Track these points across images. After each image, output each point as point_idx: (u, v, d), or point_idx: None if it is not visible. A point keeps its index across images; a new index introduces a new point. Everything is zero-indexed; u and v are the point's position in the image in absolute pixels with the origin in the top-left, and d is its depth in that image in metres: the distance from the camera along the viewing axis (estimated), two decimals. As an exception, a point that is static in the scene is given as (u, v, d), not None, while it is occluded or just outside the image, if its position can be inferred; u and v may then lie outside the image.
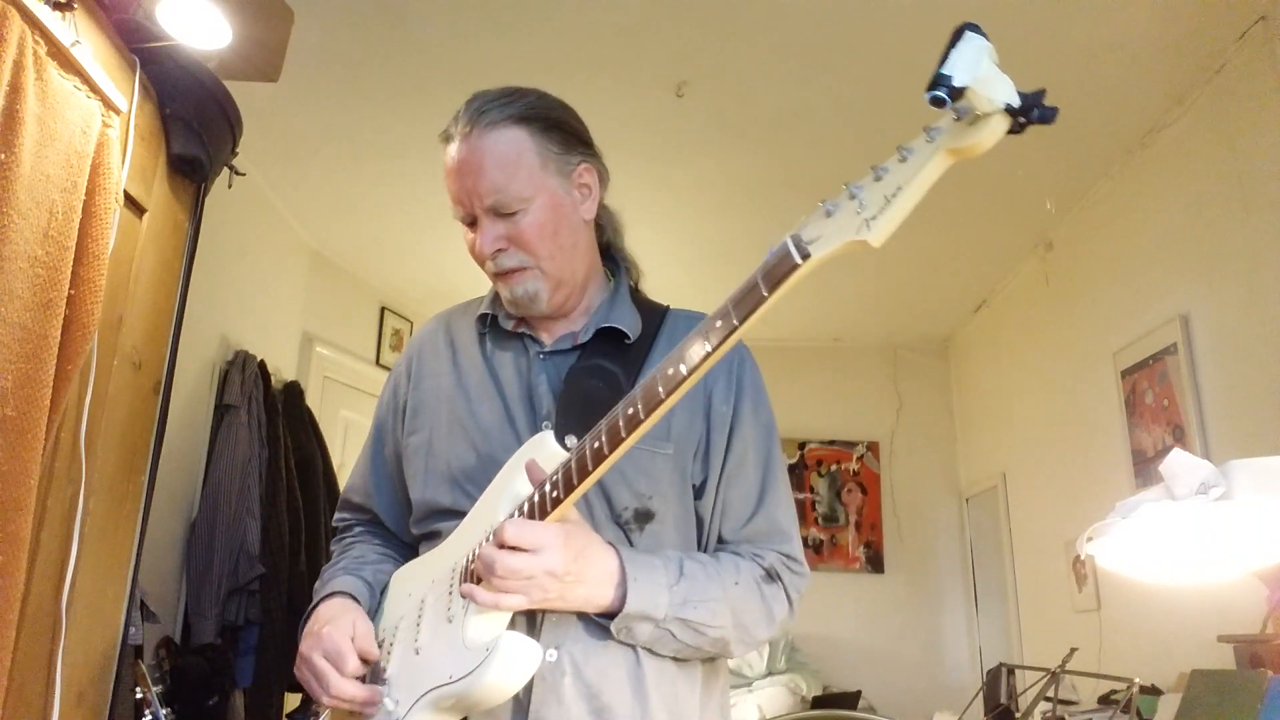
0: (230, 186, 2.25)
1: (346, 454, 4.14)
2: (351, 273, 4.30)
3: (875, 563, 4.85)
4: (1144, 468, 2.96)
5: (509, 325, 1.20)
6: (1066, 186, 3.37)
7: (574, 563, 0.96)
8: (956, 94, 0.70)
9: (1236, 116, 2.56)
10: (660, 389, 0.87)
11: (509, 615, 0.99)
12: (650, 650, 1.04)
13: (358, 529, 1.31)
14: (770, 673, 4.39)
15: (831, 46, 2.66)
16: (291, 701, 3.16)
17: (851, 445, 5.06)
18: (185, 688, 2.60)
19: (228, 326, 3.26)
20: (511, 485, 1.02)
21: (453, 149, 1.16)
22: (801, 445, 5.09)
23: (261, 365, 3.29)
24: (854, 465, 5.03)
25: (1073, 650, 2.30)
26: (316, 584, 1.22)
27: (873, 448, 5.05)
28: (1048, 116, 0.73)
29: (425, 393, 1.22)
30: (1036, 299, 3.90)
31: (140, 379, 1.78)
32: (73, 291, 1.45)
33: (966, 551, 4.81)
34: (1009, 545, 4.21)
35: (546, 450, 1.01)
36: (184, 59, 1.81)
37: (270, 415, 3.21)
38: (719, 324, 0.84)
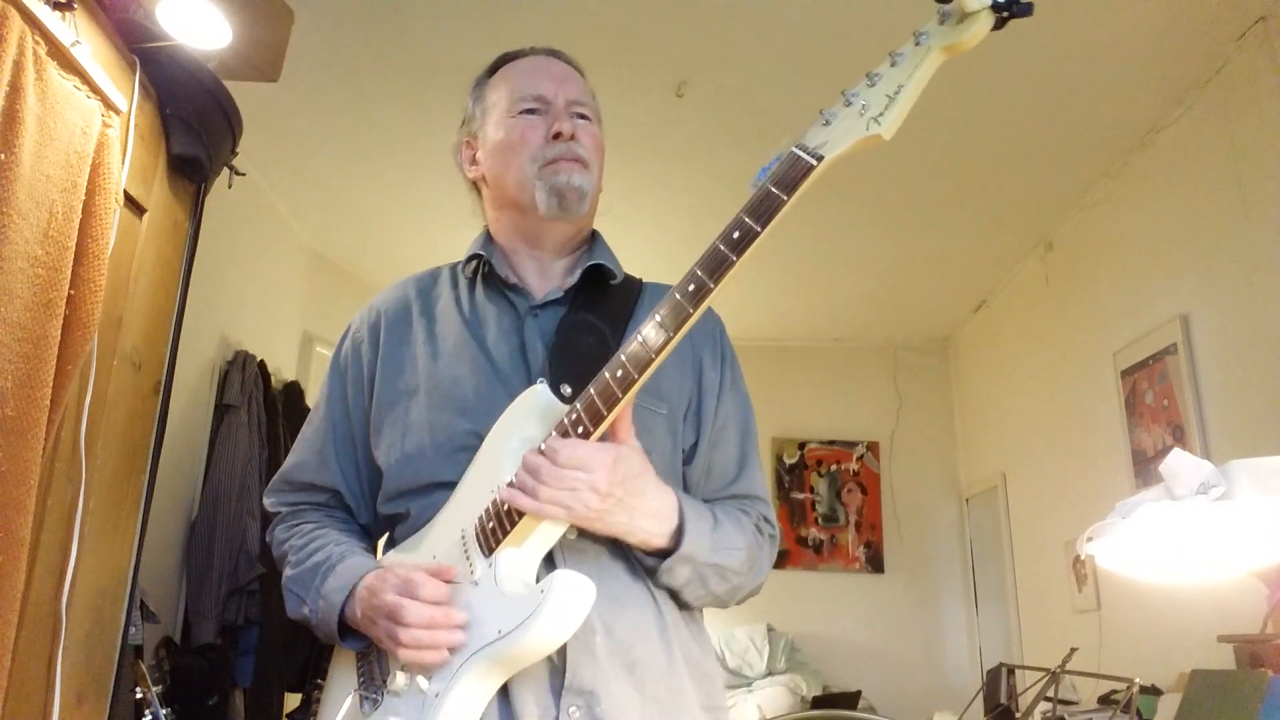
0: (230, 186, 2.25)
1: (346, 454, 4.13)
2: (351, 273, 4.30)
3: (875, 563, 4.85)
4: (1144, 468, 2.96)
5: (503, 272, 1.17)
6: (1066, 186, 3.37)
7: (620, 486, 0.94)
8: None
9: (1236, 116, 2.56)
10: (689, 306, 0.89)
11: (538, 564, 0.96)
12: (674, 598, 1.05)
13: (313, 514, 1.21)
14: (770, 673, 4.39)
15: (831, 46, 2.66)
16: (291, 701, 3.16)
17: (851, 445, 5.06)
18: (185, 688, 2.60)
19: (228, 326, 3.26)
20: (508, 442, 1.00)
21: (531, 58, 1.25)
22: (801, 445, 5.09)
23: (261, 365, 3.29)
24: (854, 465, 5.03)
25: (1073, 650, 2.30)
26: (293, 571, 1.12)
27: (873, 448, 5.05)
28: (1024, 11, 0.82)
29: (398, 361, 1.17)
30: (1036, 299, 3.90)
31: (140, 379, 1.78)
32: (73, 291, 1.45)
33: (966, 551, 4.81)
34: (1009, 545, 4.21)
35: (542, 402, 1.01)
36: (184, 59, 1.81)
37: (270, 415, 3.22)
38: (736, 234, 0.88)
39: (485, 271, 1.20)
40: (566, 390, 1.03)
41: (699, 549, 1.01)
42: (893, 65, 0.86)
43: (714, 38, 2.63)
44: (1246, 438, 2.48)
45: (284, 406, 3.39)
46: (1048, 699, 2.25)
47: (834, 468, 5.05)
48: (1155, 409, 2.91)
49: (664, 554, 1.00)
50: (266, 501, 1.26)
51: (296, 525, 1.20)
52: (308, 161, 3.38)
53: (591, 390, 0.93)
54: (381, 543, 1.21)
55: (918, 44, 0.85)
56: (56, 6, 1.42)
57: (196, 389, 3.03)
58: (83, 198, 1.48)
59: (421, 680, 0.96)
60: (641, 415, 1.08)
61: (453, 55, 2.74)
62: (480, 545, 0.99)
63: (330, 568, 1.08)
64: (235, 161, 2.13)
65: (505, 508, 0.96)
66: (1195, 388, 2.71)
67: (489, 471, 1.01)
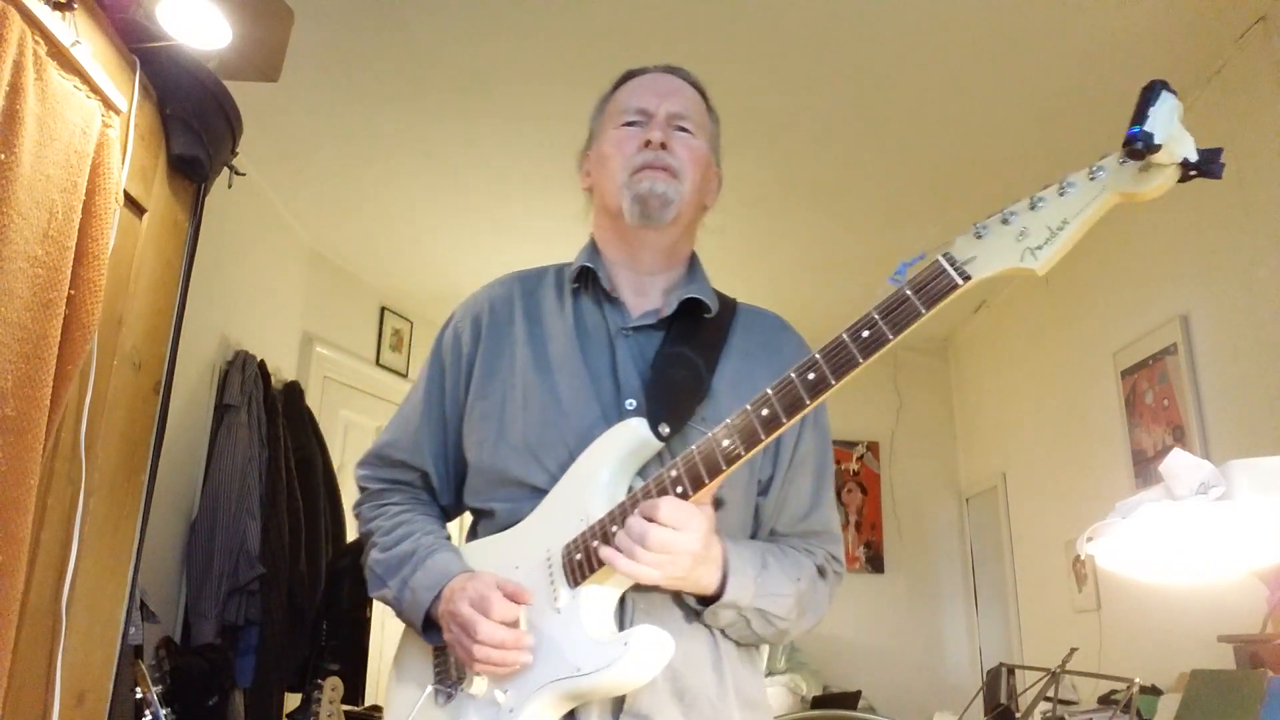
0: (230, 186, 2.25)
1: (346, 454, 4.13)
2: (351, 273, 4.30)
3: (875, 563, 4.85)
4: (1144, 468, 2.96)
5: (606, 284, 1.20)
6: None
7: (706, 548, 0.99)
8: (1154, 150, 0.76)
9: (1236, 116, 2.56)
10: (805, 397, 0.90)
11: (615, 604, 1.02)
12: (724, 634, 1.09)
13: (399, 494, 1.25)
14: (770, 673, 4.39)
15: (831, 48, 2.66)
16: (291, 701, 3.16)
17: (851, 445, 5.06)
18: (185, 688, 2.60)
19: (228, 326, 3.25)
20: (600, 472, 1.03)
21: (647, 75, 1.28)
22: (801, 445, 5.08)
23: (261, 365, 3.29)
24: (854, 465, 5.03)
25: (1073, 650, 2.30)
26: (380, 555, 1.17)
27: (873, 448, 5.05)
28: (1215, 173, 0.78)
29: (498, 357, 1.19)
30: (1036, 299, 3.90)
31: (140, 379, 1.78)
32: (73, 291, 1.45)
33: (966, 551, 4.81)
34: (1009, 545, 4.21)
35: (637, 438, 1.04)
36: (184, 59, 1.81)
37: (270, 415, 3.21)
38: (866, 333, 0.87)
39: (588, 281, 1.22)
40: (665, 430, 1.05)
41: (742, 595, 1.04)
42: (1061, 194, 0.82)
43: (714, 39, 2.63)
44: (1246, 438, 2.48)
45: (284, 406, 3.38)
46: (1048, 699, 2.25)
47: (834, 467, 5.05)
48: (1155, 409, 2.91)
49: (711, 599, 1.04)
50: (357, 474, 1.29)
51: (383, 505, 1.24)
52: (308, 161, 3.38)
53: (696, 454, 0.97)
54: (462, 531, 1.25)
55: (1092, 179, 0.81)
56: (56, 6, 1.42)
57: (196, 389, 3.03)
58: (83, 198, 1.48)
59: (499, 692, 1.03)
60: None
61: (453, 55, 2.74)
62: (566, 575, 1.03)
63: (420, 561, 1.13)
64: (235, 161, 2.13)
65: (596, 549, 1.00)
66: (1195, 388, 2.71)
67: (578, 499, 1.05)
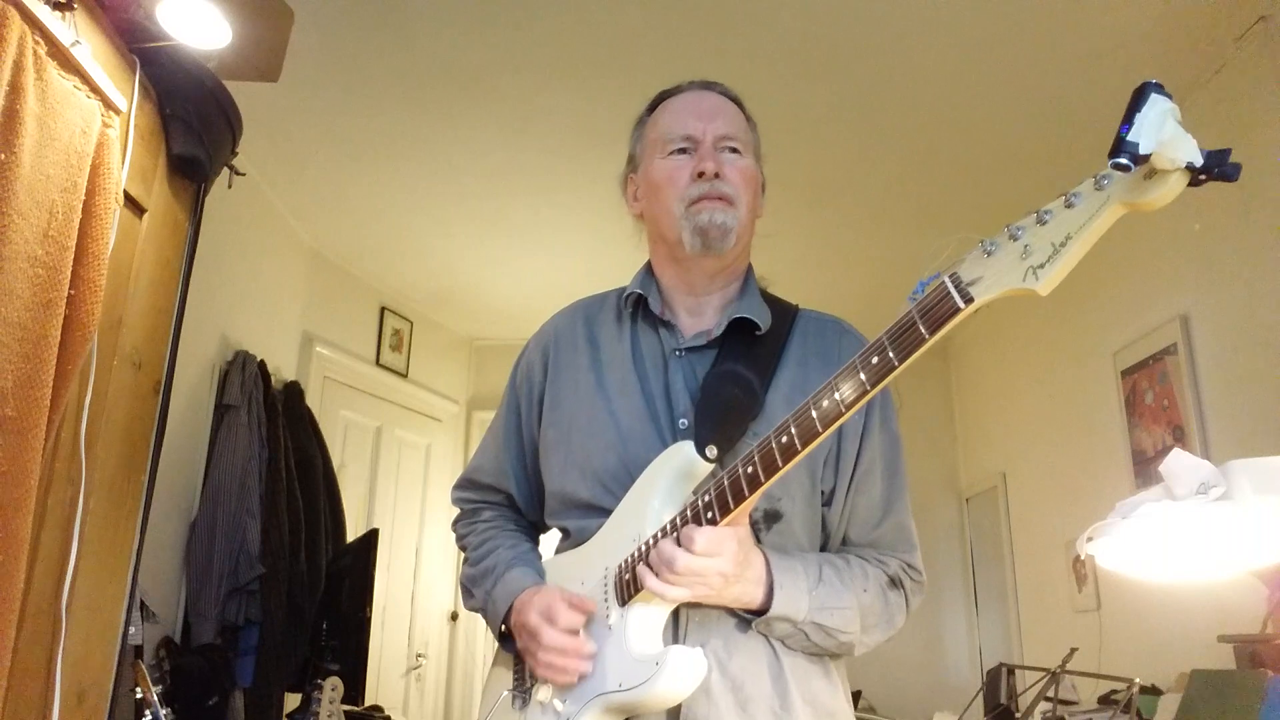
0: (230, 186, 2.25)
1: (346, 454, 4.13)
2: (351, 273, 4.30)
3: (875, 563, 4.85)
4: (1144, 468, 2.96)
5: (656, 309, 1.23)
6: (1066, 186, 3.36)
7: (740, 566, 1.01)
8: (1140, 160, 0.70)
9: (1236, 116, 2.56)
10: (818, 425, 0.91)
11: (665, 618, 1.06)
12: (785, 645, 1.09)
13: (488, 512, 1.35)
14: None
15: (831, 47, 2.66)
16: (291, 701, 3.16)
17: (851, 445, 5.05)
18: (185, 688, 2.60)
19: (228, 326, 3.26)
20: (651, 496, 1.07)
21: (684, 95, 1.28)
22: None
23: (261, 365, 3.29)
24: (854, 465, 5.03)
25: (1073, 650, 2.30)
26: (470, 569, 1.27)
27: (873, 448, 5.05)
28: (1229, 175, 0.72)
29: (564, 386, 1.25)
30: (1036, 299, 3.88)
31: (140, 379, 1.78)
32: (73, 291, 1.45)
33: (966, 551, 4.81)
34: (1009, 545, 4.21)
35: (685, 460, 1.07)
36: (184, 59, 1.81)
37: (270, 415, 3.21)
38: (875, 360, 0.88)
39: (641, 306, 1.25)
40: (712, 453, 1.08)
41: (793, 609, 1.05)
42: (1068, 206, 0.78)
43: (714, 38, 2.63)
44: (1246, 438, 2.48)
45: (284, 406, 3.38)
46: (1048, 699, 2.25)
47: (834, 468, 5.04)
48: (1155, 409, 2.91)
49: (760, 611, 1.06)
50: (453, 496, 1.40)
51: (473, 523, 1.35)
52: (308, 161, 3.38)
53: (726, 479, 0.99)
54: (551, 544, 1.32)
55: (1098, 188, 0.76)
56: (56, 6, 1.42)
57: (196, 389, 3.03)
58: (83, 198, 1.48)
59: (558, 701, 1.09)
60: None
61: (453, 56, 2.74)
62: (618, 593, 1.07)
63: (499, 576, 1.21)
64: (235, 161, 2.13)
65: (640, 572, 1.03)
66: (1195, 388, 2.71)
67: (633, 520, 1.09)
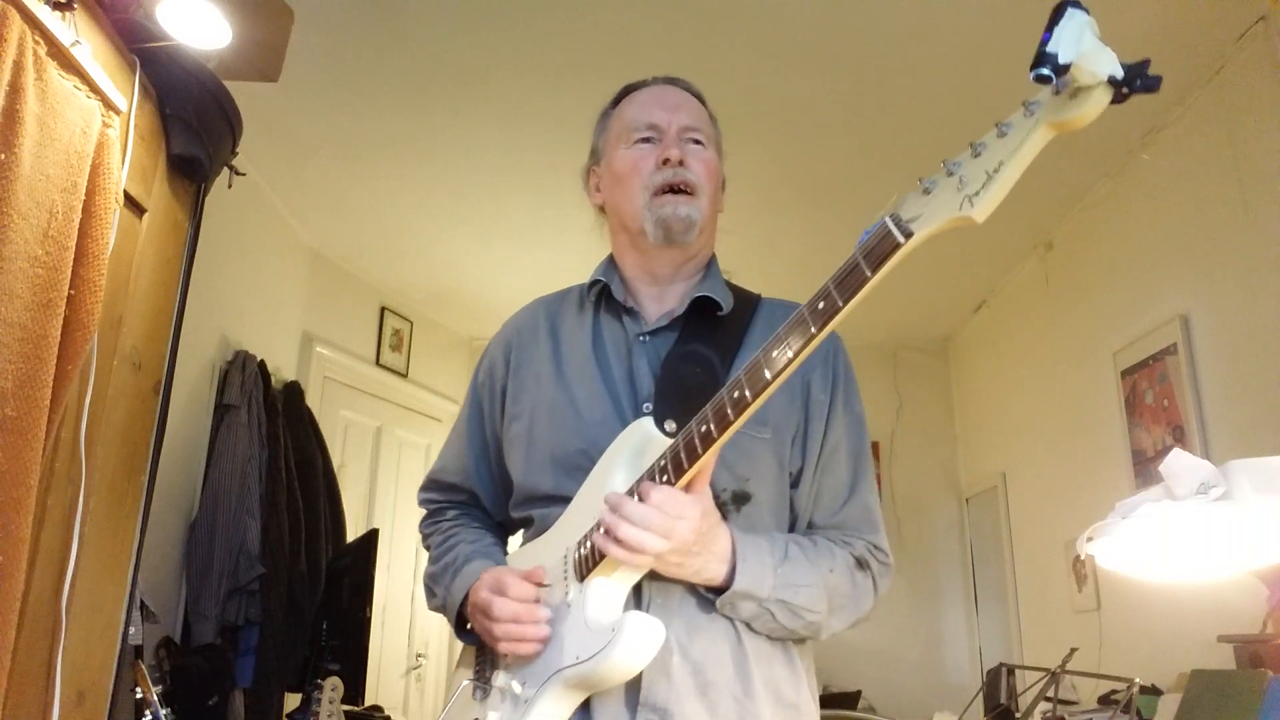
0: (230, 186, 2.25)
1: (346, 454, 4.13)
2: (351, 273, 4.30)
3: (875, 563, 4.85)
4: (1144, 468, 2.96)
5: (619, 296, 1.22)
6: (1066, 186, 3.37)
7: (703, 535, 0.99)
8: (1061, 71, 0.70)
9: (1236, 116, 2.56)
10: (766, 372, 0.89)
11: (626, 594, 1.04)
12: (750, 628, 1.07)
13: (452, 512, 1.34)
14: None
15: (831, 46, 2.66)
16: (291, 701, 3.16)
17: (851, 445, 5.05)
18: (185, 688, 2.60)
19: (228, 326, 3.26)
20: (612, 474, 1.05)
21: (649, 89, 1.30)
22: (801, 445, 5.08)
23: (261, 365, 3.29)
24: (854, 465, 5.02)
25: (1073, 650, 2.30)
26: (431, 568, 1.25)
27: (873, 448, 5.03)
28: (1151, 86, 0.71)
29: (526, 379, 1.24)
30: (1036, 299, 3.90)
31: (140, 379, 1.78)
32: (73, 291, 1.45)
33: (966, 551, 4.81)
34: (1009, 545, 4.21)
35: (645, 436, 1.05)
36: (184, 59, 1.81)
37: (270, 415, 3.21)
38: (821, 305, 0.86)
39: (605, 294, 1.25)
40: (671, 426, 1.07)
41: (757, 586, 1.03)
42: (1000, 136, 0.77)
43: (714, 38, 2.63)
44: (1246, 438, 2.48)
45: (284, 406, 3.38)
46: (1048, 699, 2.25)
47: (834, 468, 5.04)
48: (1155, 409, 2.91)
49: (723, 589, 1.04)
50: (419, 498, 1.40)
51: (437, 523, 1.34)
52: (308, 161, 3.38)
53: (680, 441, 0.97)
54: (515, 541, 1.32)
55: (1028, 114, 0.76)
56: (56, 6, 1.42)
57: (196, 389, 3.03)
58: (83, 198, 1.48)
59: (516, 684, 1.07)
60: (743, 442, 1.11)
61: (453, 56, 2.74)
62: (576, 570, 1.06)
63: (457, 570, 1.20)
64: (235, 161, 2.13)
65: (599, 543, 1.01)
66: (1195, 388, 2.71)
67: (594, 500, 1.07)
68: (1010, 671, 2.84)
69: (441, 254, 4.11)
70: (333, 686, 2.87)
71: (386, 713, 3.57)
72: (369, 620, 3.47)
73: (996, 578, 4.40)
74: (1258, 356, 2.45)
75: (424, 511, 1.39)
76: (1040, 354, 3.88)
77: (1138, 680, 2.01)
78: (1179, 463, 1.48)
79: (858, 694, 4.14)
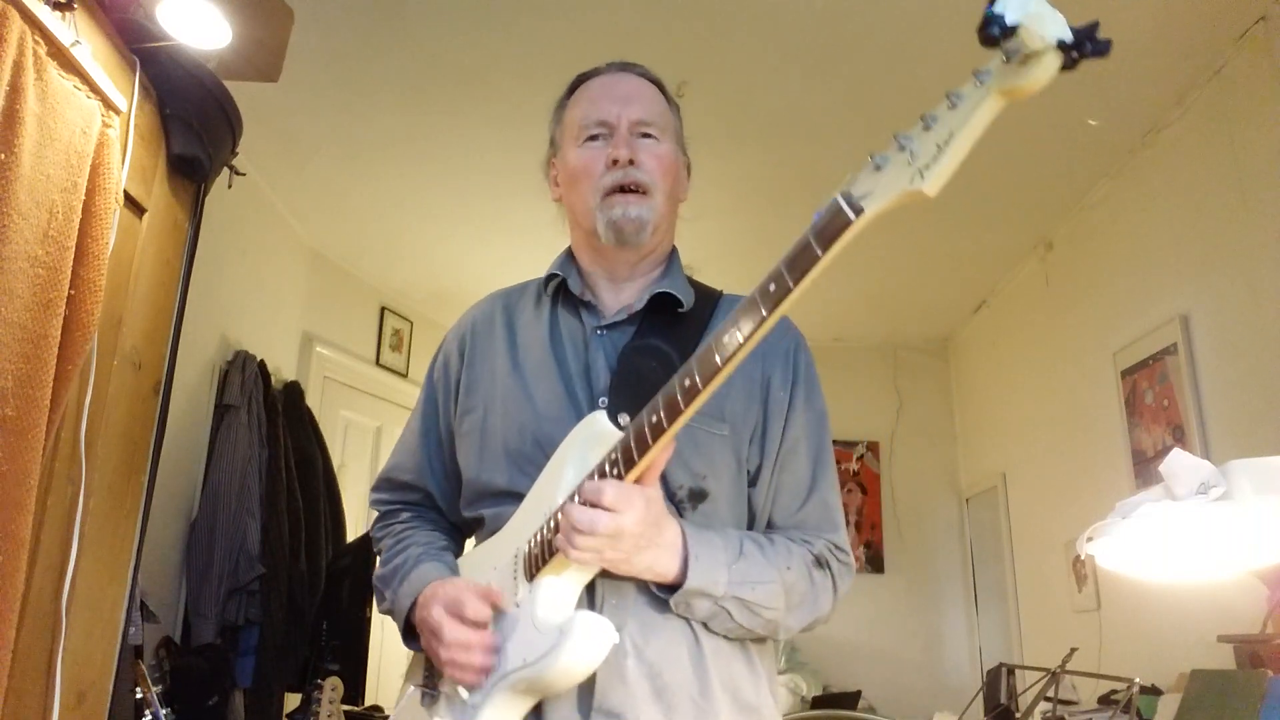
0: (230, 186, 2.25)
1: (346, 454, 4.13)
2: (351, 273, 4.30)
3: (875, 563, 4.85)
4: (1144, 468, 2.96)
5: (576, 289, 1.20)
6: (1066, 186, 3.37)
7: (650, 527, 0.96)
8: (1009, 33, 0.67)
9: (1236, 116, 2.56)
10: (716, 358, 0.86)
11: (576, 595, 1.00)
12: (707, 628, 1.04)
13: (405, 513, 1.29)
14: (770, 673, 4.39)
15: (831, 46, 2.66)
16: (291, 701, 3.16)
17: (851, 445, 5.05)
18: (185, 688, 2.60)
19: (228, 326, 3.26)
20: (565, 468, 1.02)
21: (601, 78, 1.25)
22: (801, 445, 5.08)
23: (261, 365, 3.29)
24: (854, 465, 5.03)
25: (1073, 650, 2.30)
26: (381, 570, 1.21)
27: (872, 448, 5.05)
28: (1101, 50, 0.69)
29: (480, 372, 1.21)
30: (1036, 299, 3.90)
31: (140, 379, 1.78)
32: (73, 291, 1.45)
33: (966, 551, 4.81)
34: (1009, 545, 4.21)
35: (599, 430, 1.02)
36: (184, 59, 1.81)
37: (270, 415, 3.21)
38: (772, 287, 0.83)
39: (563, 288, 1.23)
40: (624, 419, 1.04)
41: (711, 583, 1.00)
42: (951, 108, 0.75)
43: (714, 38, 2.63)
44: (1246, 438, 2.47)
45: (284, 406, 3.38)
46: (1048, 699, 2.25)
47: (834, 468, 5.04)
48: (1155, 409, 2.91)
49: (676, 585, 1.00)
50: (370, 498, 1.34)
51: (389, 525, 1.28)
52: (308, 161, 3.38)
53: (630, 433, 0.94)
54: (470, 543, 1.28)
55: (978, 84, 0.73)
56: (56, 6, 1.42)
57: (196, 389, 3.03)
58: (83, 198, 1.48)
59: (462, 690, 1.03)
60: (700, 438, 1.08)
61: (453, 55, 2.74)
62: (526, 569, 1.02)
63: (406, 573, 1.15)
64: (235, 161, 2.13)
65: (548, 539, 0.99)
66: (1195, 388, 2.71)
67: (546, 495, 1.04)
68: (1010, 671, 2.84)
69: (441, 254, 4.10)
70: (333, 687, 2.87)
71: (386, 713, 3.57)
72: (369, 620, 3.47)
73: (996, 578, 4.40)
74: (1258, 356, 2.45)
75: (375, 514, 1.34)
76: (1040, 354, 3.88)
77: (1138, 680, 2.01)
78: (1179, 463, 1.48)
79: (858, 694, 4.14)
